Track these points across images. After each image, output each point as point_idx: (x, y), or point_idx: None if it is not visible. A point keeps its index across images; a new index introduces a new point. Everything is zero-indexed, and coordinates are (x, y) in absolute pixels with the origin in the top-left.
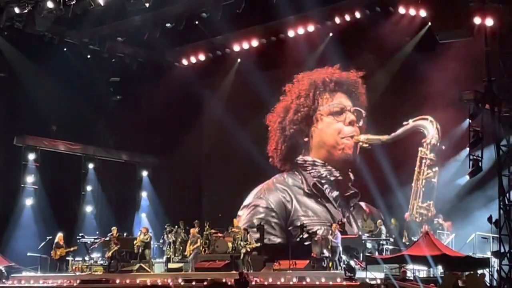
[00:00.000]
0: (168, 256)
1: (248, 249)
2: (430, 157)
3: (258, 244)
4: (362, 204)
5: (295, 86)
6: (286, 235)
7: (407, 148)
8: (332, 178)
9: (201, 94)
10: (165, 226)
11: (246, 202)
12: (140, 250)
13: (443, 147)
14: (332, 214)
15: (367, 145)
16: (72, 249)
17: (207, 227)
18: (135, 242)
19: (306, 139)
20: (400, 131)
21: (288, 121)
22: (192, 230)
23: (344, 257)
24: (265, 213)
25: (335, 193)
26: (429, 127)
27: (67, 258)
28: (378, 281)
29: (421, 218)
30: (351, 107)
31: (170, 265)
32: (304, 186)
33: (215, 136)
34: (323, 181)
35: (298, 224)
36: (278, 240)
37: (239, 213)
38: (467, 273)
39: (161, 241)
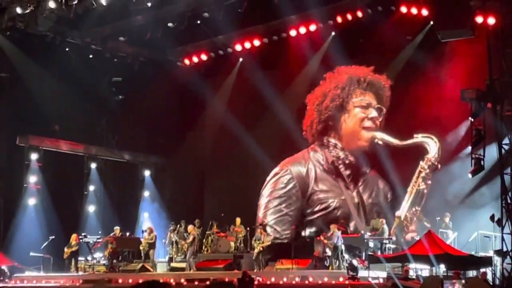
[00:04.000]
0: (171, 256)
1: (261, 248)
2: (427, 171)
3: (270, 242)
4: (372, 176)
5: (334, 76)
6: (303, 205)
7: (409, 155)
8: (347, 161)
9: (203, 94)
10: (170, 225)
11: (274, 170)
12: (145, 250)
13: (439, 166)
14: (342, 189)
15: (380, 142)
16: (74, 249)
17: (215, 226)
18: (141, 245)
19: (336, 124)
20: (410, 141)
21: (325, 106)
22: (189, 228)
23: (346, 256)
24: (287, 185)
25: (348, 172)
26: (433, 146)
27: (80, 259)
28: (381, 280)
29: (408, 218)
30: (375, 105)
31: (173, 265)
32: (324, 163)
33: (217, 135)
34: (339, 162)
35: (315, 198)
36: (294, 212)
37: (268, 178)
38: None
39: (163, 240)
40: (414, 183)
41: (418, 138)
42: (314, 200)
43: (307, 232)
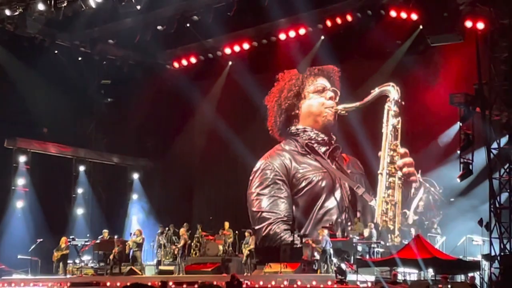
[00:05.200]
0: (159, 259)
1: (249, 252)
2: (394, 109)
3: (254, 246)
4: (343, 155)
5: (286, 74)
6: (291, 188)
7: (377, 112)
8: (319, 139)
9: (193, 97)
10: (158, 228)
11: (255, 168)
12: (132, 252)
13: (403, 103)
14: (322, 164)
15: (344, 112)
16: (64, 252)
17: (200, 230)
18: (127, 243)
19: (297, 111)
20: (370, 97)
21: (283, 98)
22: (181, 231)
23: (335, 260)
24: (271, 174)
25: (323, 149)
26: (392, 90)
27: (69, 262)
28: (369, 284)
29: (391, 153)
30: (330, 87)
31: (161, 268)
32: (298, 148)
33: (206, 138)
34: (312, 141)
35: (299, 176)
36: (284, 194)
37: (250, 178)
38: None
39: (151, 243)
40: (386, 121)
41: (376, 90)
42: (298, 179)
43: (295, 236)
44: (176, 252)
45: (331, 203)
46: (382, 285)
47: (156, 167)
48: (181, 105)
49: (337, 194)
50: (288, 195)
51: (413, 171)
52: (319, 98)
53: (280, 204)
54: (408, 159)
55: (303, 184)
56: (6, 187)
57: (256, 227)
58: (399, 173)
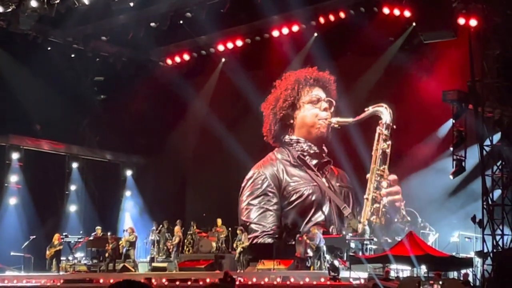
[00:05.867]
0: (152, 256)
1: (242, 249)
2: (385, 133)
3: (248, 243)
4: (333, 167)
5: (283, 82)
6: (281, 200)
7: (367, 129)
8: (311, 151)
9: (186, 94)
10: (152, 225)
11: (247, 176)
12: (124, 250)
13: (394, 127)
14: (312, 177)
15: (337, 125)
16: (57, 248)
17: (194, 227)
18: (120, 242)
19: (291, 121)
20: (363, 115)
21: (278, 107)
22: (176, 229)
23: (328, 257)
24: (263, 185)
25: (314, 161)
26: (385, 112)
27: (62, 258)
28: (362, 281)
29: (378, 178)
30: (325, 98)
31: (154, 265)
32: (290, 159)
33: (199, 135)
34: (304, 153)
35: (290, 189)
36: (274, 207)
37: (243, 185)
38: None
39: (145, 240)
40: (377, 145)
41: (369, 109)
42: (289, 191)
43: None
44: (170, 249)
45: (319, 217)
46: (375, 281)
47: (149, 164)
48: (174, 102)
49: (325, 208)
50: (277, 208)
51: (399, 198)
52: (313, 109)
53: (268, 217)
54: (395, 188)
55: (294, 197)
56: None
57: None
58: (384, 200)
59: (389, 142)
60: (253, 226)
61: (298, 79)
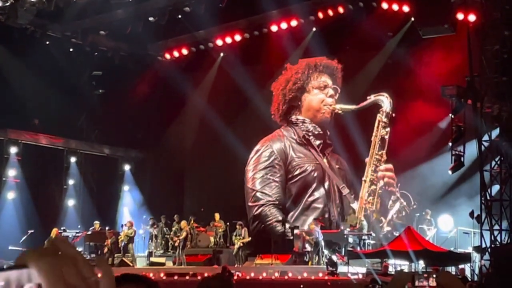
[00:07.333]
0: (150, 250)
1: (241, 244)
2: (384, 120)
3: (249, 238)
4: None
5: (294, 66)
6: (286, 174)
7: (368, 117)
8: (316, 132)
9: (184, 88)
10: (149, 220)
11: (255, 148)
12: (123, 244)
13: (394, 115)
14: (315, 156)
15: (341, 111)
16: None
17: (192, 221)
18: (119, 236)
19: (299, 103)
20: (365, 103)
21: (288, 89)
22: (182, 223)
23: (326, 252)
24: (270, 157)
25: (318, 142)
26: (385, 100)
27: None
28: (360, 276)
29: (376, 162)
30: (331, 85)
31: (152, 259)
32: (296, 137)
33: (198, 130)
34: (309, 133)
35: (294, 164)
36: (279, 179)
37: (250, 156)
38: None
39: (143, 235)
40: (376, 131)
41: (371, 98)
42: (294, 166)
43: (286, 227)
44: (177, 244)
45: (320, 193)
46: (373, 276)
47: (147, 159)
48: (172, 97)
49: (326, 185)
50: (282, 180)
51: (393, 182)
52: (320, 95)
53: (273, 188)
54: (390, 172)
55: (297, 171)
56: None
57: (250, 204)
58: (381, 182)
59: (388, 129)
60: (258, 194)
61: (309, 64)
